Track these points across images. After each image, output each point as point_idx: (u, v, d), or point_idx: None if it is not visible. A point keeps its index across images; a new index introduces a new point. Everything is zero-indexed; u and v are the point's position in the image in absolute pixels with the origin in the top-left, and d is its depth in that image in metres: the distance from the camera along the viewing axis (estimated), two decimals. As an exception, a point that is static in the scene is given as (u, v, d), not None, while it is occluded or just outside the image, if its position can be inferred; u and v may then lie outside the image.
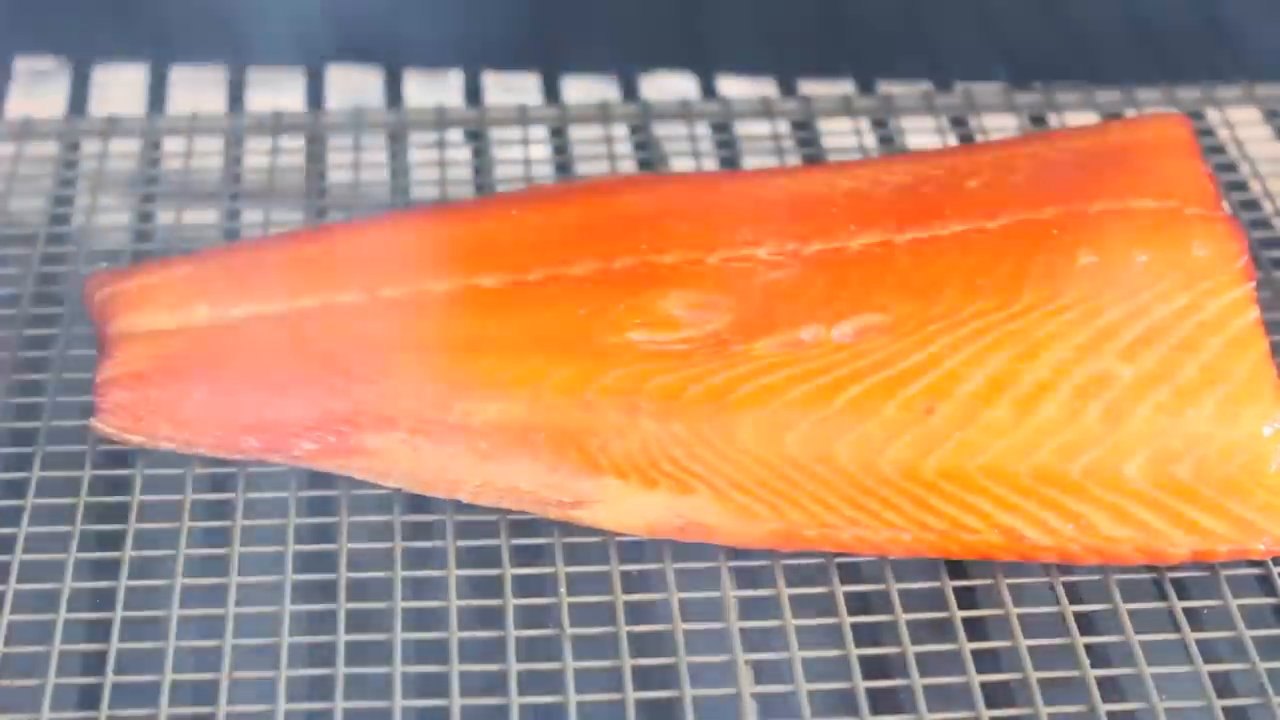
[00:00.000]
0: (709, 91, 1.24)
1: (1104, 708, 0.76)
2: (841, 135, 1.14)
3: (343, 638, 0.79)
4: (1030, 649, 0.78)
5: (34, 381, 0.93)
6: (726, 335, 0.85)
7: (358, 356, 0.86)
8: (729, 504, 0.82)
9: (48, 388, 0.92)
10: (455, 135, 1.14)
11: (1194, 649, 0.79)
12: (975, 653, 0.78)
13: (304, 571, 0.83)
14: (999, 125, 1.14)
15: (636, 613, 0.81)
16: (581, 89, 1.23)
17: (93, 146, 1.12)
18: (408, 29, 1.18)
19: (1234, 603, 0.81)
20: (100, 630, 0.80)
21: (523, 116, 1.15)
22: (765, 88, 1.23)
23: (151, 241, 1.05)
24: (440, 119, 1.14)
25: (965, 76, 1.20)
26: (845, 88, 1.22)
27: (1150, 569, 0.82)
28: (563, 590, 0.81)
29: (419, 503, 0.85)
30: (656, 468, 0.83)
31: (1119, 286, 0.84)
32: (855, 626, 0.80)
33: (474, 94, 1.23)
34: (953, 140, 1.14)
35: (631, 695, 0.77)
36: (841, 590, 0.82)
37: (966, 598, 0.82)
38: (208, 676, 0.78)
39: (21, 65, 1.25)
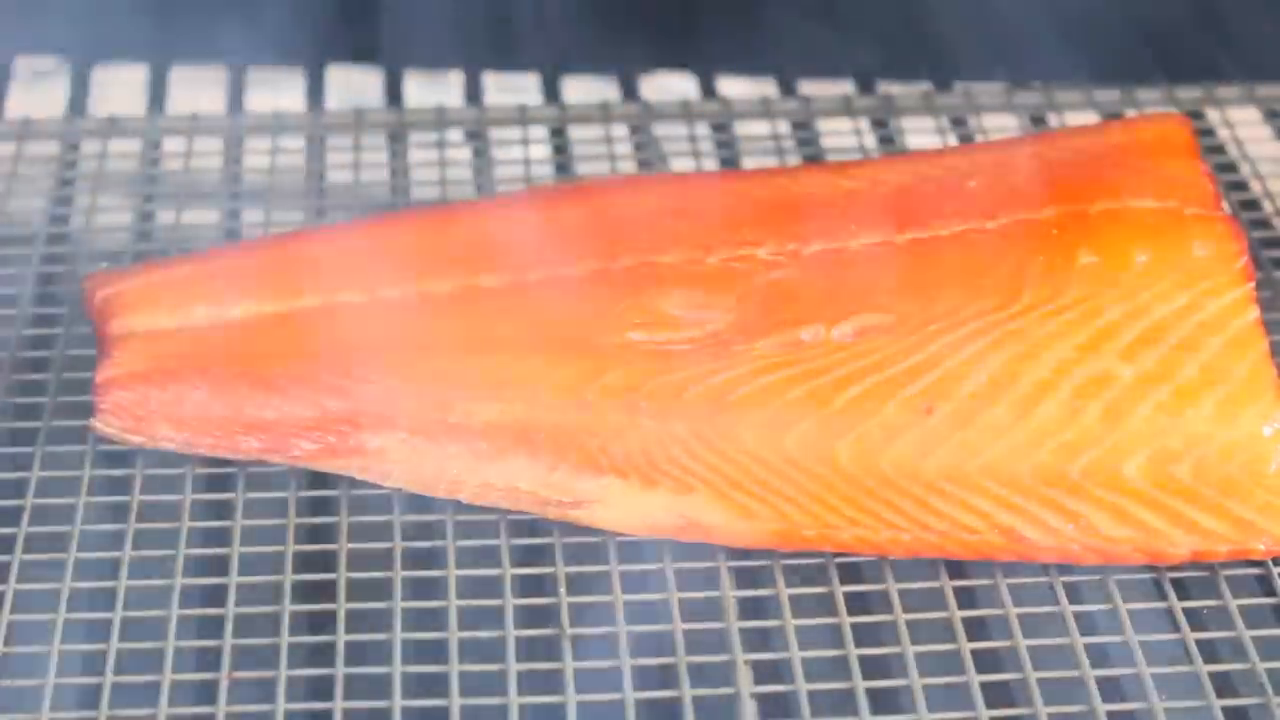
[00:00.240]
0: (709, 91, 1.24)
1: (1104, 708, 0.76)
2: (841, 135, 1.14)
3: (343, 638, 0.79)
4: (1030, 649, 0.78)
5: (34, 381, 0.93)
6: (726, 335, 0.85)
7: (358, 356, 0.86)
8: (729, 504, 0.82)
9: (48, 388, 0.92)
10: (455, 135, 1.14)
11: (1194, 649, 0.79)
12: (975, 653, 0.78)
13: (304, 571, 0.83)
14: (999, 125, 1.14)
15: (636, 613, 0.81)
16: (581, 89, 1.23)
17: (93, 146, 1.12)
18: (408, 29, 1.18)
19: (1234, 603, 0.81)
20: (100, 630, 0.80)
21: (523, 116, 1.15)
22: (765, 88, 1.23)
23: (151, 241, 1.05)
24: (440, 119, 1.14)
25: (965, 76, 1.20)
26: (845, 88, 1.22)
27: (1150, 569, 0.82)
28: (563, 590, 0.81)
29: (419, 503, 0.85)
30: (656, 468, 0.83)
31: (1119, 286, 0.84)
32: (855, 626, 0.80)
33: (474, 94, 1.23)
34: (953, 140, 1.14)
35: (631, 695, 0.77)
36: (841, 590, 0.82)
37: (966, 598, 0.82)
38: (208, 676, 0.78)
39: (21, 65, 1.25)
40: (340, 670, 0.78)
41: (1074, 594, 0.82)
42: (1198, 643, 0.79)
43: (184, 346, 0.87)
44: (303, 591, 0.82)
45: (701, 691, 0.77)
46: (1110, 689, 0.78)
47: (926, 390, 0.82)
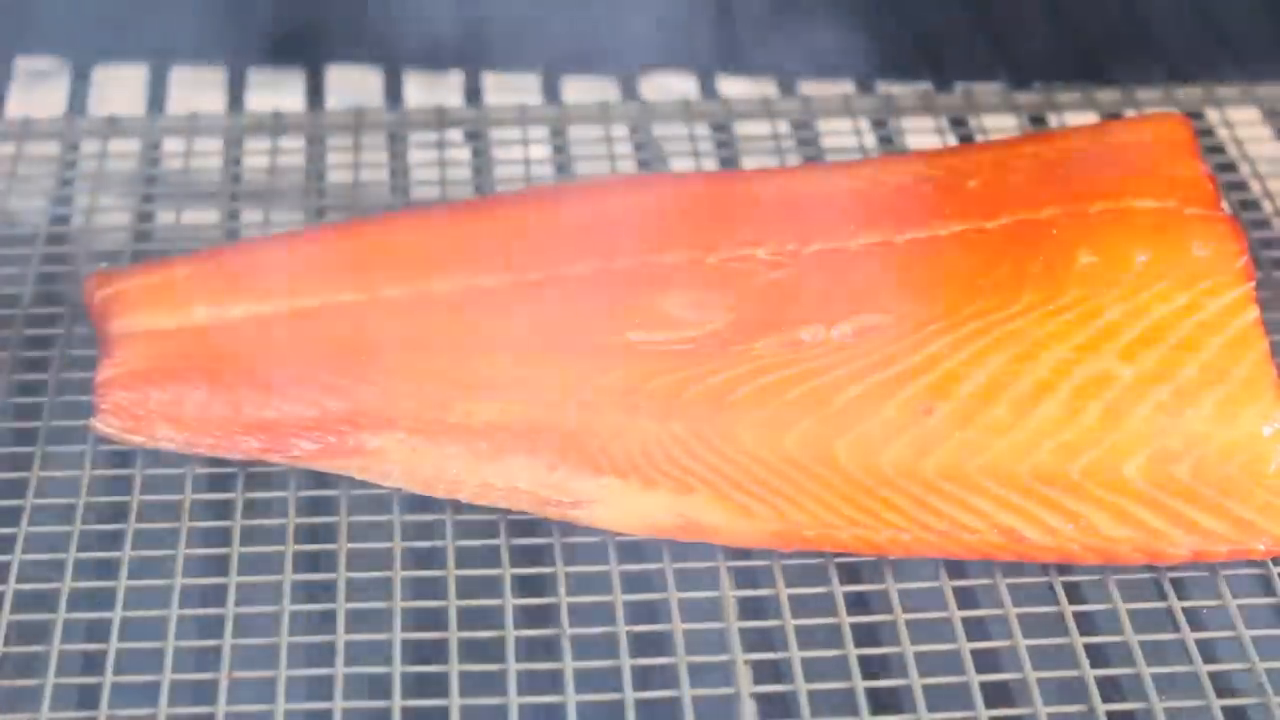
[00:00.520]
0: (709, 91, 1.24)
1: (1104, 708, 0.76)
2: (841, 135, 1.14)
3: (343, 638, 0.79)
4: (1030, 649, 0.78)
5: (34, 381, 0.93)
6: (726, 335, 0.85)
7: (358, 356, 0.86)
8: (729, 504, 0.82)
9: (48, 388, 0.92)
10: (455, 135, 1.14)
11: (1194, 649, 0.79)
12: (975, 653, 0.78)
13: (304, 571, 0.83)
14: (999, 125, 1.14)
15: (636, 613, 0.81)
16: (581, 89, 1.23)
17: (93, 146, 1.12)
18: (408, 29, 1.18)
19: (1234, 603, 0.81)
20: (100, 630, 0.80)
21: (523, 116, 1.15)
22: (765, 88, 1.23)
23: (151, 241, 1.05)
24: (440, 119, 1.14)
25: (965, 76, 1.20)
26: (845, 88, 1.22)
27: (1150, 569, 0.82)
28: (563, 590, 0.81)
29: (419, 503, 0.85)
30: (656, 468, 0.83)
31: (1119, 286, 0.84)
32: (855, 626, 0.80)
33: (474, 94, 1.23)
34: (953, 140, 1.14)
35: (631, 695, 0.77)
36: (841, 590, 0.82)
37: (966, 598, 0.82)
38: (208, 676, 0.78)
39: (21, 65, 1.25)
40: (340, 670, 0.78)
41: (1074, 594, 0.82)
42: (1198, 643, 0.79)
43: (184, 346, 0.87)
44: (303, 591, 0.82)
45: (701, 691, 0.77)
46: (1110, 689, 0.78)
47: (926, 390, 0.82)
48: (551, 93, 1.23)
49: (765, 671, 0.79)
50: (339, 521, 0.85)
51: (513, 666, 0.78)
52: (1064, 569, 0.82)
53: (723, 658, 0.79)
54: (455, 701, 0.76)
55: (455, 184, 1.09)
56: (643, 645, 0.80)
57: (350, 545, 0.84)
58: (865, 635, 0.80)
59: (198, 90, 1.22)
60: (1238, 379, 0.81)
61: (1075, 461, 0.80)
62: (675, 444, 0.82)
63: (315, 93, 1.23)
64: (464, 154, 1.13)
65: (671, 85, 1.23)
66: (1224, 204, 0.92)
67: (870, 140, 1.14)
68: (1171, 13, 1.21)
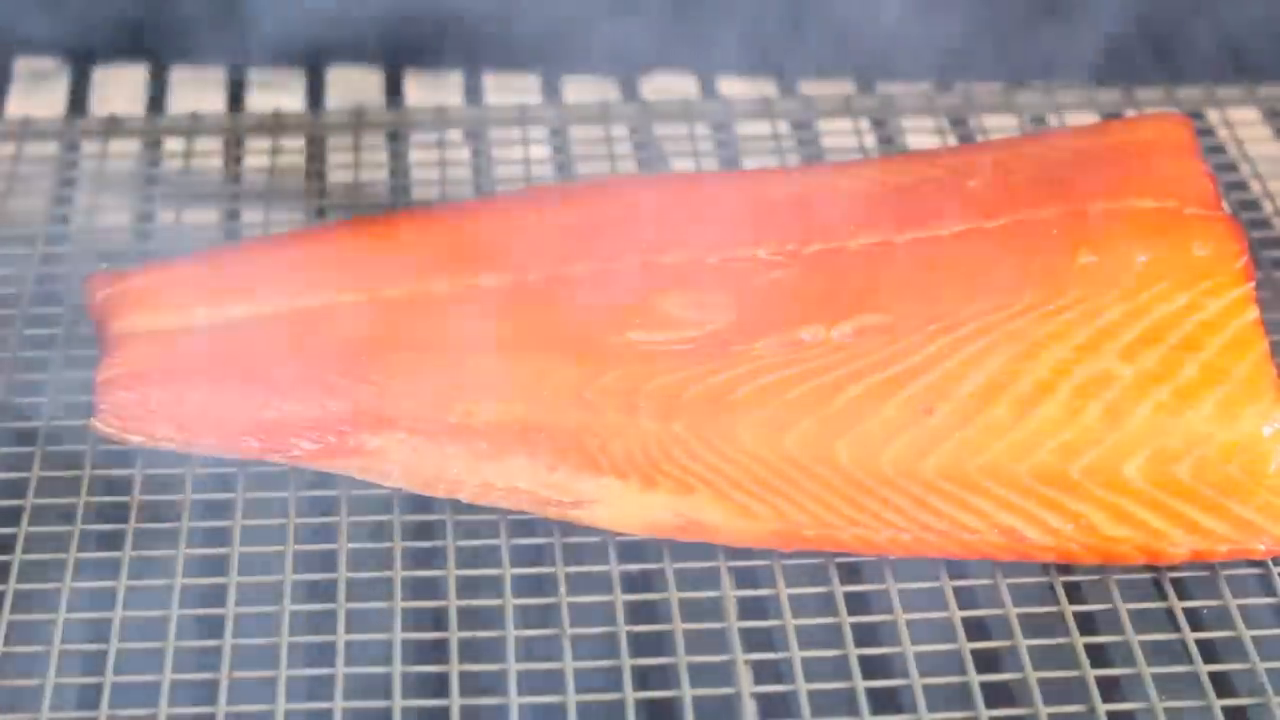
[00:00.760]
0: (709, 91, 1.24)
1: (1104, 708, 0.76)
2: (841, 135, 1.14)
3: (343, 638, 0.79)
4: (1031, 649, 0.78)
5: (34, 381, 0.93)
6: (726, 335, 0.85)
7: (358, 356, 0.86)
8: (729, 504, 0.82)
9: (48, 388, 0.92)
10: (455, 135, 1.14)
11: (1194, 649, 0.79)
12: (975, 652, 0.78)
13: (304, 571, 0.83)
14: (999, 125, 1.14)
15: (636, 613, 0.81)
16: (581, 89, 1.23)
17: (93, 146, 1.12)
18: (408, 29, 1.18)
19: (1234, 603, 0.81)
20: (100, 630, 0.80)
21: (523, 116, 1.15)
22: (765, 88, 1.23)
23: (151, 241, 1.05)
24: (440, 119, 1.14)
25: (965, 76, 1.20)
26: (845, 88, 1.22)
27: (1150, 569, 0.82)
28: (563, 590, 0.81)
29: (419, 503, 0.85)
30: (656, 468, 0.83)
31: (1119, 286, 0.84)
32: (855, 626, 0.80)
33: (474, 94, 1.23)
34: (953, 140, 1.14)
35: (631, 695, 0.77)
36: (841, 590, 0.82)
37: (966, 598, 0.82)
38: (208, 676, 0.78)
39: (21, 65, 1.25)
40: (340, 670, 0.78)
41: (1074, 594, 0.82)
42: (1198, 643, 0.79)
43: (184, 346, 0.87)
44: (303, 591, 0.82)
45: (701, 691, 0.77)
46: (1110, 689, 0.78)
47: (926, 390, 0.82)
48: (551, 93, 1.23)
49: (765, 671, 0.79)
50: (339, 521, 0.85)
51: (513, 666, 0.78)
52: (1064, 569, 0.82)
53: (723, 658, 0.79)
54: (455, 701, 0.76)
55: (455, 184, 1.09)
56: (643, 645, 0.80)
57: (350, 545, 0.84)
58: (865, 635, 0.80)
59: (198, 90, 1.22)
60: (1238, 379, 0.81)
61: (1075, 461, 0.80)
62: (675, 444, 0.82)
63: (315, 93, 1.23)
64: (464, 154, 1.13)
65: (671, 85, 1.23)
66: (1224, 204, 0.92)
67: (870, 140, 1.14)
68: (1171, 13, 1.21)
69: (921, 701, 0.76)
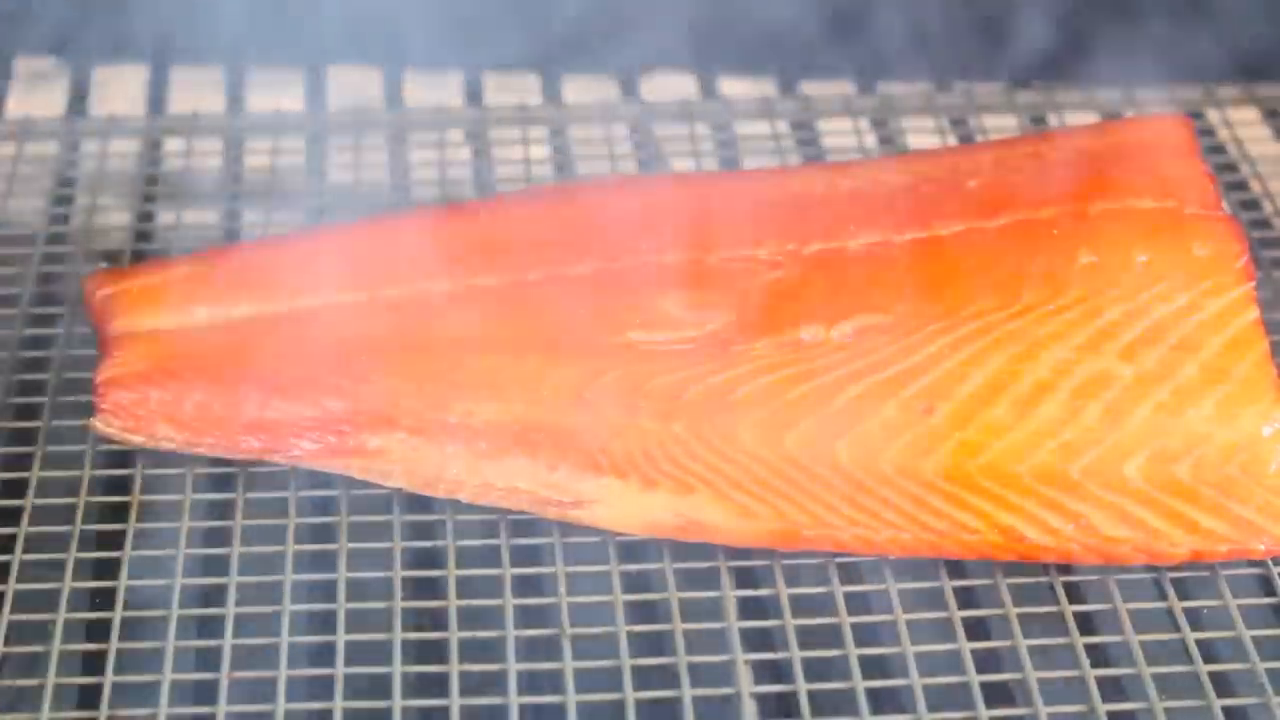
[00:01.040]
0: (709, 91, 1.24)
1: (1104, 708, 0.76)
2: (841, 135, 1.14)
3: (343, 638, 0.79)
4: (1030, 649, 0.78)
5: (34, 381, 0.93)
6: (726, 335, 0.85)
7: (358, 356, 0.86)
8: (729, 504, 0.82)
9: (48, 388, 0.92)
10: (455, 135, 1.14)
11: (1194, 649, 0.79)
12: (975, 653, 0.78)
13: (304, 571, 0.83)
14: (999, 125, 1.14)
15: (636, 613, 0.81)
16: (581, 89, 1.23)
17: (93, 146, 1.12)
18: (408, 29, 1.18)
19: (1234, 603, 0.81)
20: (100, 630, 0.80)
21: (523, 116, 1.15)
22: (765, 88, 1.23)
23: (151, 241, 1.05)
24: (440, 119, 1.14)
25: (965, 76, 1.20)
26: (845, 88, 1.22)
27: (1150, 569, 0.82)
28: (563, 590, 0.81)
29: (419, 503, 0.85)
30: (656, 468, 0.83)
31: (1119, 286, 0.84)
32: (855, 626, 0.80)
33: (474, 94, 1.23)
34: (953, 140, 1.14)
35: (631, 695, 0.77)
36: (842, 590, 0.82)
37: (966, 598, 0.82)
38: (208, 676, 0.78)
39: (21, 65, 1.25)
40: (340, 670, 0.78)
41: (1074, 594, 0.82)
42: (1198, 643, 0.79)
43: (184, 346, 0.87)
44: (303, 591, 0.82)
45: (701, 691, 0.77)
46: (1110, 689, 0.78)
47: (926, 390, 0.82)
48: (551, 93, 1.23)
49: (765, 671, 0.79)
50: (339, 521, 0.85)
51: (513, 666, 0.78)
52: (1064, 569, 0.82)
53: (723, 658, 0.79)
54: (455, 701, 0.76)
55: (455, 184, 1.09)
56: (643, 645, 0.80)
57: (350, 545, 0.84)
58: (865, 635, 0.80)
59: (198, 90, 1.22)
60: (1238, 379, 0.81)
61: (1075, 461, 0.80)
62: (675, 444, 0.82)
63: (315, 93, 1.23)
64: (464, 154, 1.13)
65: (671, 85, 1.23)
66: (1224, 204, 0.92)
67: (870, 140, 1.14)
68: (1171, 13, 1.21)
69: (921, 701, 0.76)
